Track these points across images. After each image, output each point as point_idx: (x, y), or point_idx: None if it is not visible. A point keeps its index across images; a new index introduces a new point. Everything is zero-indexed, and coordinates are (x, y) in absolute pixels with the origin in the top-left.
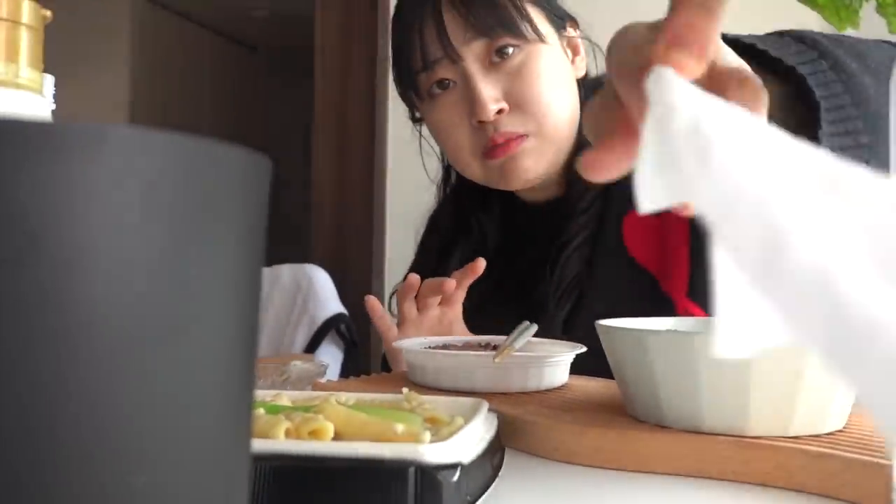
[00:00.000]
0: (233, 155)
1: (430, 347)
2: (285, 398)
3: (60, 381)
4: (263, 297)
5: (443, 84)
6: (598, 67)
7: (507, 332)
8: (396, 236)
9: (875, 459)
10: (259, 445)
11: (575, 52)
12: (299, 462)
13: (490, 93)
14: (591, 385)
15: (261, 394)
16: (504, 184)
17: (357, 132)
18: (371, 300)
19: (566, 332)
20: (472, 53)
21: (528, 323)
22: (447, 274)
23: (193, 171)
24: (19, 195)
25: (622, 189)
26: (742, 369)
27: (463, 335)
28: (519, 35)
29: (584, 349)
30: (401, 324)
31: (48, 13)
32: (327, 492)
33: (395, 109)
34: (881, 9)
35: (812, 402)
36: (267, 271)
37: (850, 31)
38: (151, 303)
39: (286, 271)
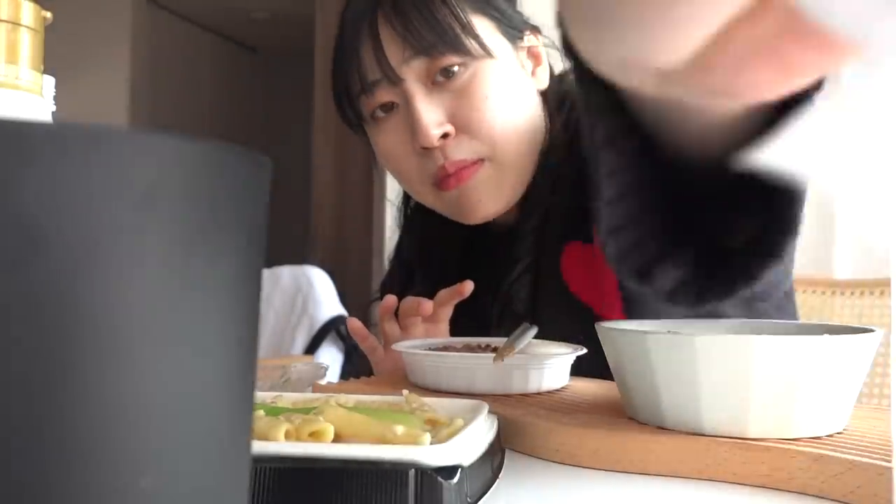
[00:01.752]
0: (233, 156)
1: (430, 349)
2: (285, 400)
3: (62, 383)
4: (264, 299)
5: (386, 107)
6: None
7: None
8: (396, 237)
9: (876, 461)
10: (259, 447)
11: (536, 61)
12: (299, 463)
13: (432, 117)
14: (592, 387)
15: (261, 395)
16: (462, 217)
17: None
18: (353, 322)
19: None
20: (412, 73)
21: (528, 324)
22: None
23: (193, 172)
24: (20, 196)
25: (560, 218)
26: (742, 371)
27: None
28: (463, 52)
29: (585, 350)
30: (385, 344)
31: (48, 15)
32: (327, 493)
33: None
34: None
35: (812, 404)
36: (267, 273)
37: None
38: (152, 304)
39: (286, 273)
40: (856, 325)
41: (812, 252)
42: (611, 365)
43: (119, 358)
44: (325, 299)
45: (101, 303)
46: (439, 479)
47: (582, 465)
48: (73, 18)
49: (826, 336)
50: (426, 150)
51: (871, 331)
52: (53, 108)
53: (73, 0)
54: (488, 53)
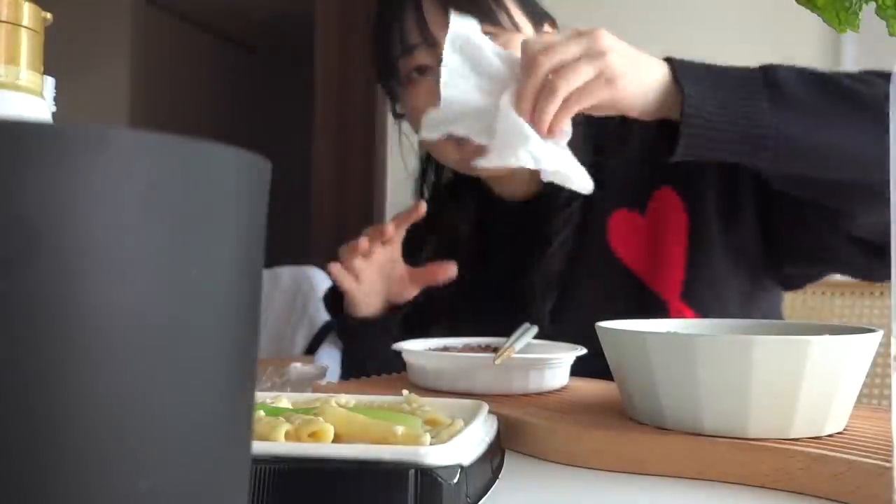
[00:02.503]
0: (232, 156)
1: (430, 349)
2: (285, 400)
3: (62, 383)
4: (264, 299)
5: (421, 70)
6: None
7: (488, 331)
8: None
9: (876, 461)
10: (259, 447)
11: None
12: (299, 464)
13: None
14: (591, 387)
15: (261, 396)
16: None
17: (357, 132)
18: (331, 266)
19: (553, 324)
20: None
21: (528, 325)
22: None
23: (193, 172)
24: (20, 197)
25: (605, 187)
26: (742, 371)
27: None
28: (496, 23)
29: (585, 351)
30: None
31: (48, 15)
32: (327, 494)
33: None
34: (881, 11)
35: (812, 404)
36: (267, 273)
37: (849, 33)
38: (152, 303)
39: (286, 273)
40: (856, 325)
41: None
42: (611, 365)
43: (118, 358)
44: None
45: (101, 303)
46: (439, 479)
47: (582, 466)
48: (73, 19)
49: (826, 336)
50: None
51: (872, 331)
52: (53, 108)
53: (73, 0)
54: (516, 27)
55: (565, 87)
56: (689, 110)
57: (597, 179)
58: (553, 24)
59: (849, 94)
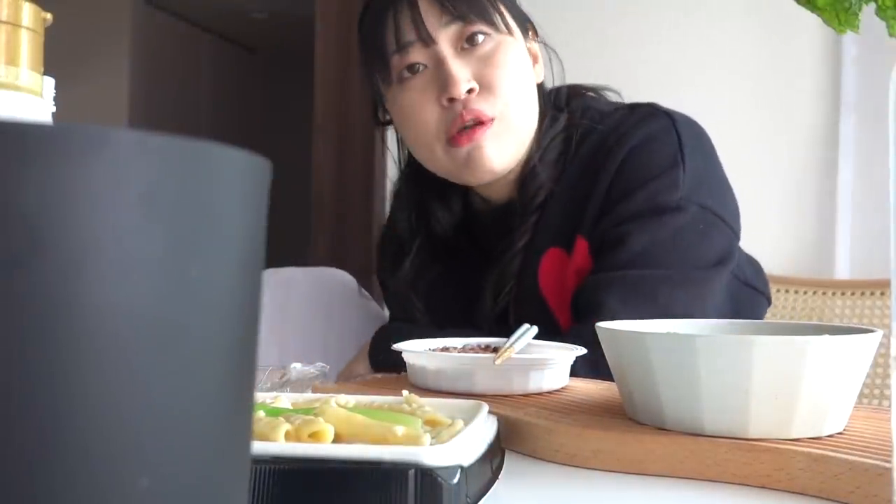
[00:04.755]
0: (232, 156)
1: (430, 350)
2: (285, 400)
3: (62, 383)
4: (277, 300)
5: (413, 68)
6: (555, 76)
7: (451, 319)
8: None
9: (875, 462)
10: (259, 448)
11: (534, 59)
12: (299, 464)
13: (463, 73)
14: (591, 387)
15: (261, 396)
16: (469, 173)
17: (357, 132)
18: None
19: (498, 324)
20: (445, 36)
21: (528, 326)
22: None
23: (193, 172)
24: (20, 197)
25: (550, 221)
26: (742, 371)
27: None
28: (490, 23)
29: (585, 351)
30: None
31: (48, 16)
32: (327, 494)
33: None
34: (881, 11)
35: (812, 405)
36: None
37: (849, 34)
38: (152, 304)
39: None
40: (856, 325)
41: (812, 252)
42: (611, 365)
43: (118, 358)
44: None
45: (101, 303)
46: (439, 479)
47: (582, 466)
48: (73, 19)
49: (826, 336)
50: (450, 103)
51: (871, 331)
52: (53, 108)
53: (73, 0)
54: (509, 30)
55: None
56: None
57: (544, 214)
58: (535, 31)
59: None
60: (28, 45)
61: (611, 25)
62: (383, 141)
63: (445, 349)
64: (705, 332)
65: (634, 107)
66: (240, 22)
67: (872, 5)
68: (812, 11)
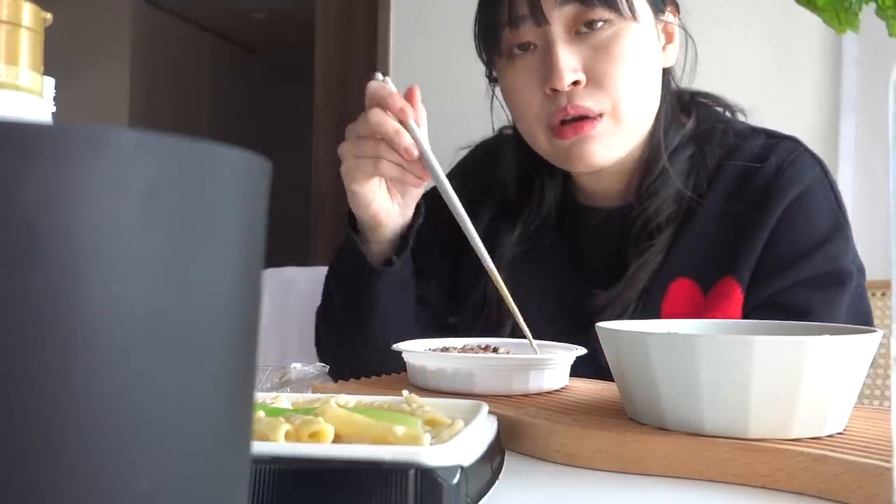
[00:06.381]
0: (232, 156)
1: (430, 349)
2: (285, 400)
3: (63, 382)
4: (275, 301)
5: (524, 46)
6: (688, 62)
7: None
8: None
9: (876, 462)
10: (259, 448)
11: (669, 39)
12: (299, 464)
13: (569, 62)
14: (592, 387)
15: (261, 396)
16: (569, 164)
17: None
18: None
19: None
20: (560, 18)
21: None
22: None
23: (193, 172)
24: (21, 197)
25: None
26: (742, 371)
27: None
28: (613, 8)
29: (584, 351)
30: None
31: (48, 16)
32: (327, 494)
33: None
34: (881, 11)
35: (812, 405)
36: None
37: (849, 34)
38: (152, 304)
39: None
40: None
41: None
42: (611, 365)
43: (118, 358)
44: None
45: (101, 303)
46: (439, 479)
47: (582, 466)
48: (73, 19)
49: (826, 336)
50: (554, 93)
51: (872, 331)
52: (53, 108)
53: (73, 0)
54: (634, 17)
55: None
56: None
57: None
58: (676, 9)
59: None
60: (28, 45)
61: None
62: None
63: (445, 349)
64: (705, 332)
65: (774, 136)
66: (240, 22)
67: (872, 5)
68: (812, 11)
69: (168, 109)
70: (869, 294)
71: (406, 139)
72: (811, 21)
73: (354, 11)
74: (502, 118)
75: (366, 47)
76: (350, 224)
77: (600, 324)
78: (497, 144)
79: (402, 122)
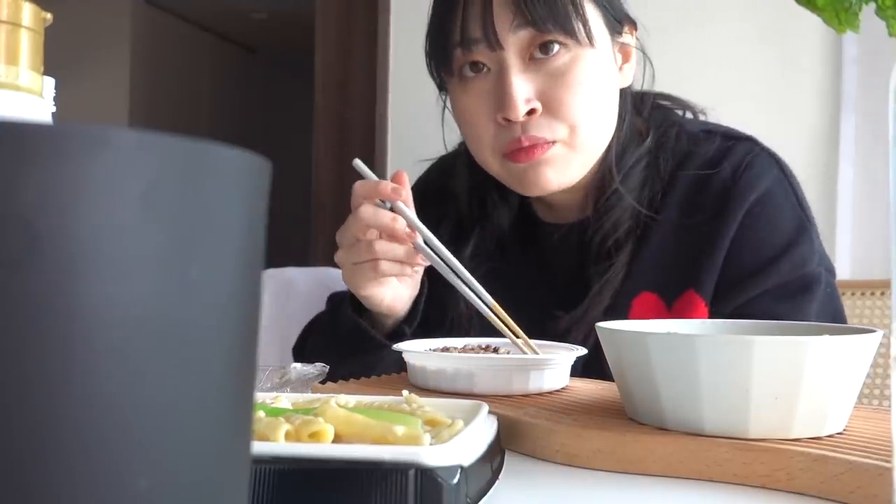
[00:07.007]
0: (232, 156)
1: (430, 349)
2: (285, 400)
3: (62, 382)
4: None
5: (476, 67)
6: (645, 79)
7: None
8: None
9: (876, 462)
10: (259, 447)
11: (625, 58)
12: (299, 464)
13: (523, 91)
14: (592, 387)
15: (261, 396)
16: (523, 189)
17: (357, 132)
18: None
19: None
20: (514, 43)
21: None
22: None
23: (193, 172)
24: (21, 197)
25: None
26: (742, 371)
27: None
28: (570, 34)
29: (585, 351)
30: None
31: (49, 16)
32: (327, 494)
33: (395, 110)
34: (881, 11)
35: (812, 405)
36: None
37: (849, 34)
38: (152, 303)
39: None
40: (856, 325)
41: None
42: (611, 365)
43: (118, 358)
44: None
45: (101, 303)
46: (439, 479)
47: (582, 466)
48: (73, 19)
49: (826, 336)
50: (507, 122)
51: (872, 331)
52: (53, 108)
53: (73, 0)
54: (591, 42)
55: None
56: None
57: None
58: (633, 28)
59: None
60: (28, 45)
61: None
62: (384, 141)
63: (445, 349)
64: (705, 332)
65: (730, 138)
66: (240, 22)
67: (872, 5)
68: (812, 11)
69: (168, 109)
70: (868, 294)
71: (402, 224)
72: (811, 21)
73: (354, 16)
74: (454, 132)
75: (366, 52)
76: (352, 303)
77: (600, 324)
78: (453, 159)
79: (394, 207)
